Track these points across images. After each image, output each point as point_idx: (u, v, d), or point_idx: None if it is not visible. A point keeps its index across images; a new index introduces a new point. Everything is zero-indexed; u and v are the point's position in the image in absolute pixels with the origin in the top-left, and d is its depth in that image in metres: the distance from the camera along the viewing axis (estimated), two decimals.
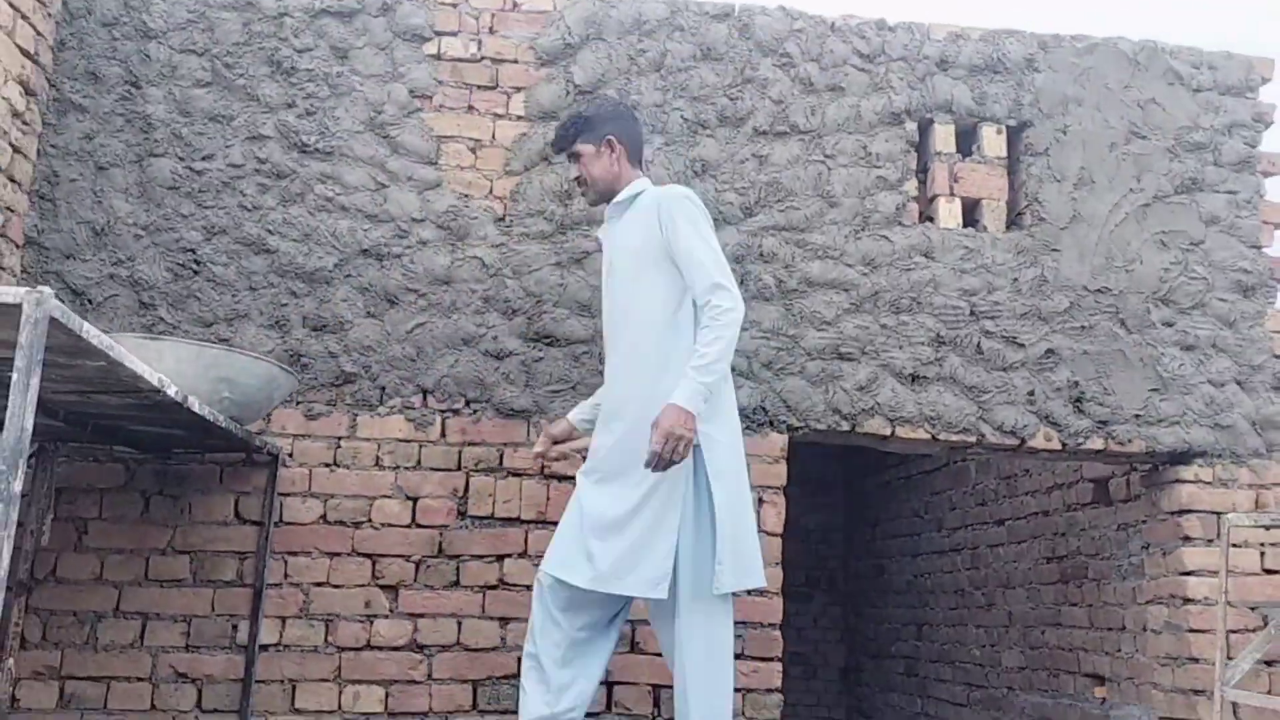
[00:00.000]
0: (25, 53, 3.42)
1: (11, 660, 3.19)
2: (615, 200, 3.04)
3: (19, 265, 3.45)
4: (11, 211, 3.40)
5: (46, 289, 1.75)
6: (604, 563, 2.75)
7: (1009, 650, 5.22)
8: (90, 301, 3.48)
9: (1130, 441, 3.73)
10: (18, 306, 1.73)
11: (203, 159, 3.61)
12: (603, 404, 3.02)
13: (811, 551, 7.77)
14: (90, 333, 1.93)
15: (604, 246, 3.11)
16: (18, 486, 1.69)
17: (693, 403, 2.66)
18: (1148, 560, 3.93)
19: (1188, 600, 3.65)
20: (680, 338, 2.83)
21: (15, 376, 1.70)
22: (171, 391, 2.37)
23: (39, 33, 3.50)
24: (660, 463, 2.63)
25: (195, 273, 3.53)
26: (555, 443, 3.20)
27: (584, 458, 3.05)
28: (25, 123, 3.45)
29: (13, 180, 3.40)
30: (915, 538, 6.52)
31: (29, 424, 1.70)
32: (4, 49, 3.29)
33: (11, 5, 3.33)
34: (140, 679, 3.29)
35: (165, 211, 3.56)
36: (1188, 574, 3.67)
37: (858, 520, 7.60)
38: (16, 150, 3.41)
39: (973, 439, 3.70)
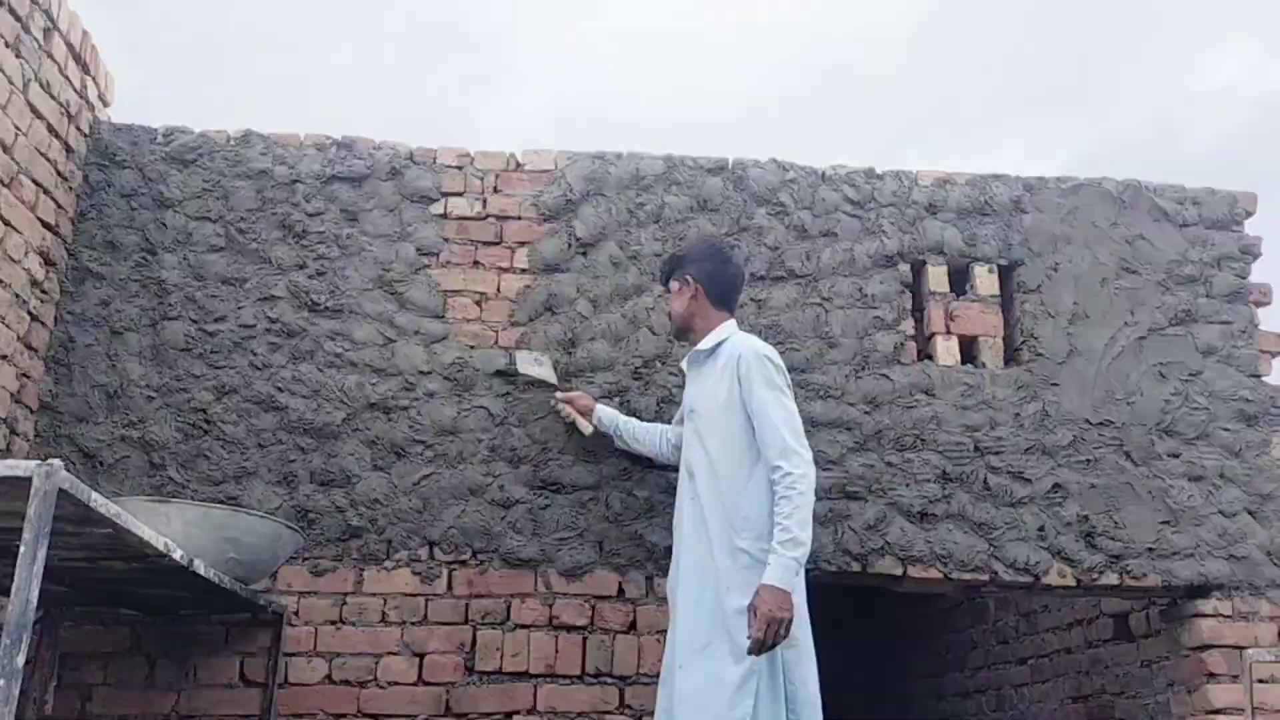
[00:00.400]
0: (46, 225, 3.56)
1: None
2: (697, 347, 3.21)
3: (33, 430, 3.51)
4: (28, 378, 3.48)
5: (56, 461, 1.79)
6: None
7: None
8: (101, 464, 3.52)
9: (1145, 576, 3.68)
10: (28, 479, 1.76)
11: (215, 320, 3.71)
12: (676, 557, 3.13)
13: (834, 695, 7.53)
14: (98, 502, 1.96)
15: (687, 385, 3.28)
16: (21, 660, 1.69)
17: (786, 580, 2.77)
18: (1174, 699, 3.83)
19: None
20: (756, 492, 2.95)
21: (22, 549, 1.72)
22: (178, 555, 2.38)
23: (60, 205, 3.64)
24: (762, 648, 2.72)
25: (205, 432, 3.58)
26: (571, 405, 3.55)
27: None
28: (44, 291, 3.56)
29: (29, 347, 3.49)
30: (939, 679, 6.35)
31: (34, 596, 1.71)
32: (26, 223, 3.43)
33: (35, 181, 3.48)
34: None
35: (177, 373, 3.64)
36: (1215, 712, 3.56)
37: (881, 662, 7.41)
38: (35, 318, 3.51)
39: (986, 577, 3.65)
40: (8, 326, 3.34)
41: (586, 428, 3.55)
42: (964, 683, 5.97)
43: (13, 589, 1.70)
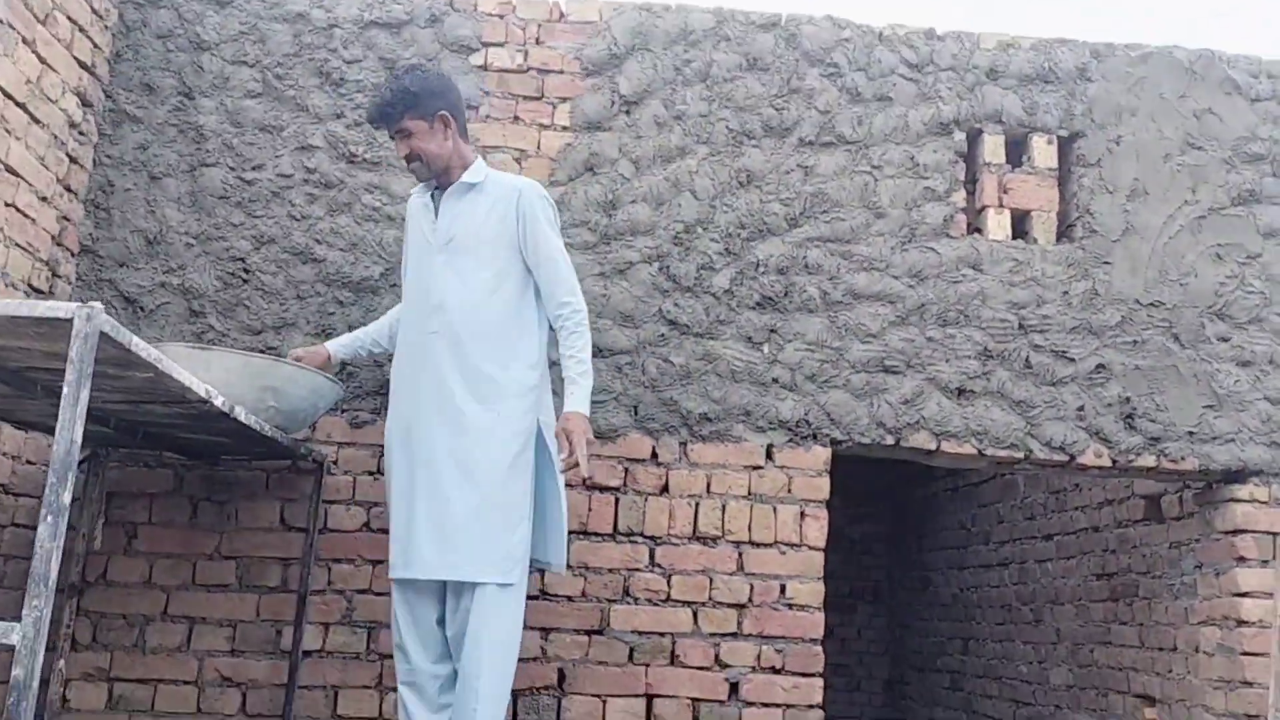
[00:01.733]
0: (83, 65, 3.49)
1: (63, 661, 3.26)
2: (463, 179, 3.05)
3: (74, 273, 3.52)
4: (68, 220, 3.47)
5: (97, 304, 1.78)
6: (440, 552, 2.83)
7: (1057, 668, 5.13)
8: (142, 309, 3.53)
9: (1183, 459, 3.65)
10: (69, 321, 1.76)
11: (253, 169, 3.66)
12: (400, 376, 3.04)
13: (856, 563, 7.70)
14: (139, 346, 1.96)
15: (428, 217, 3.06)
16: (68, 497, 1.72)
17: (587, 407, 2.93)
18: (1200, 580, 3.85)
19: (1241, 622, 3.56)
20: (526, 330, 3.00)
21: (65, 390, 1.73)
22: (219, 402, 2.40)
23: (96, 45, 3.56)
24: (575, 468, 2.87)
25: (244, 281, 3.58)
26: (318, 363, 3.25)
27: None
28: (82, 133, 3.52)
29: (69, 190, 3.47)
30: (962, 551, 6.44)
31: (78, 436, 1.73)
32: (62, 62, 3.36)
33: (70, 19, 3.40)
34: (187, 682, 3.34)
35: (216, 221, 3.61)
36: (1242, 595, 3.58)
37: (903, 532, 7.52)
38: (73, 160, 3.48)
39: (1020, 455, 3.64)
40: (46, 167, 3.31)
41: (329, 377, 3.20)
42: (987, 555, 6.05)
43: (57, 429, 1.72)
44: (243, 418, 2.56)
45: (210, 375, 2.61)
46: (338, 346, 3.32)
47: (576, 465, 2.86)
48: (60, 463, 1.71)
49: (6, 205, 3.11)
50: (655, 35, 3.83)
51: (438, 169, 3.05)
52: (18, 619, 1.67)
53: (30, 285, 3.25)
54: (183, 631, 3.37)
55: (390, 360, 3.23)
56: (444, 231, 3.02)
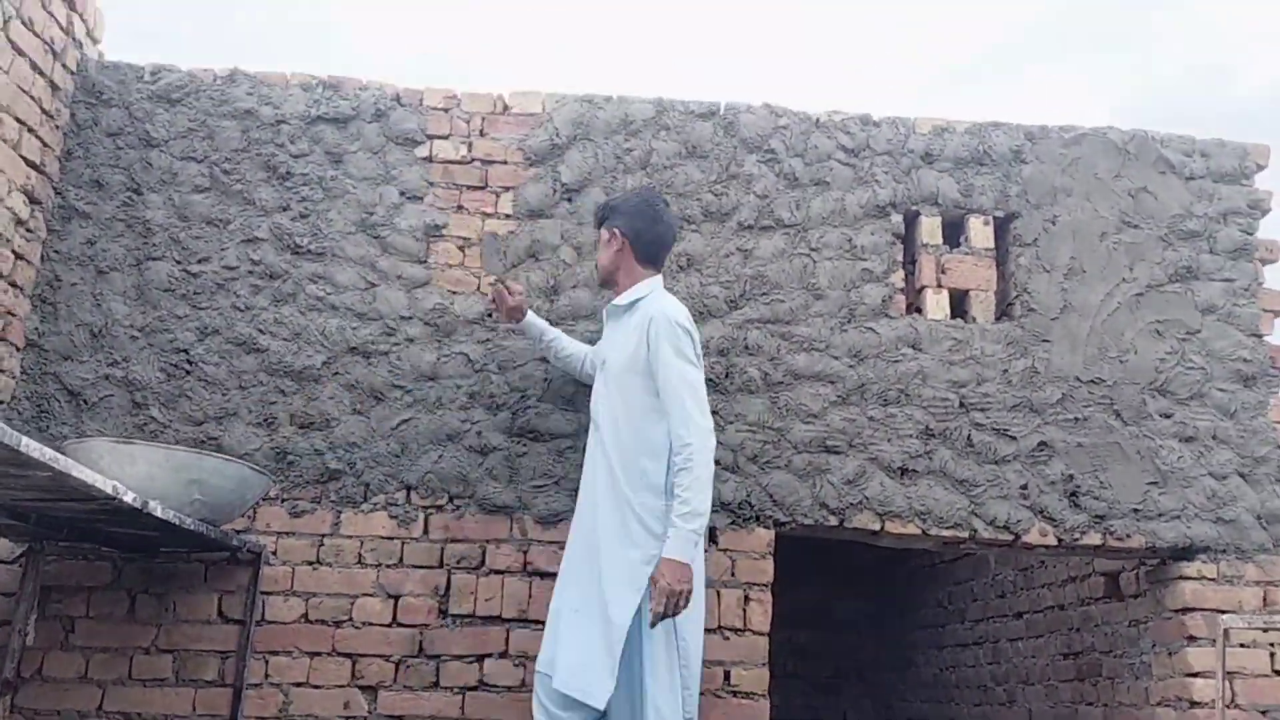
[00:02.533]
0: (31, 164, 3.57)
1: None
2: (614, 301, 3.24)
3: (18, 368, 3.56)
4: (13, 315, 3.52)
5: None
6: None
7: None
8: (85, 402, 3.56)
9: (1129, 537, 3.63)
10: None
11: (199, 261, 3.72)
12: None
13: (841, 642, 7.59)
14: (30, 446, 1.98)
15: (604, 335, 3.30)
16: None
17: (685, 553, 2.82)
18: (1155, 660, 3.79)
19: (1194, 704, 3.50)
20: (656, 455, 2.98)
21: None
22: (128, 498, 2.41)
23: (46, 144, 3.65)
24: (661, 619, 2.81)
25: (187, 373, 3.62)
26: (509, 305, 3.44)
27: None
28: (29, 230, 3.59)
29: (15, 285, 3.53)
30: (940, 630, 6.35)
31: None
32: (8, 161, 3.44)
33: (18, 119, 3.49)
34: None
35: (161, 313, 3.66)
36: (1194, 675, 3.53)
37: (887, 609, 7.42)
38: (19, 257, 3.54)
39: (965, 534, 3.62)
40: None
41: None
42: (963, 634, 5.97)
43: None
44: (159, 513, 2.57)
45: (135, 469, 2.64)
46: (534, 320, 3.50)
47: (659, 618, 2.81)
48: None
49: None
50: (596, 125, 3.91)
51: (601, 279, 3.37)
52: None
53: None
54: None
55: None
56: (601, 352, 3.23)
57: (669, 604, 2.79)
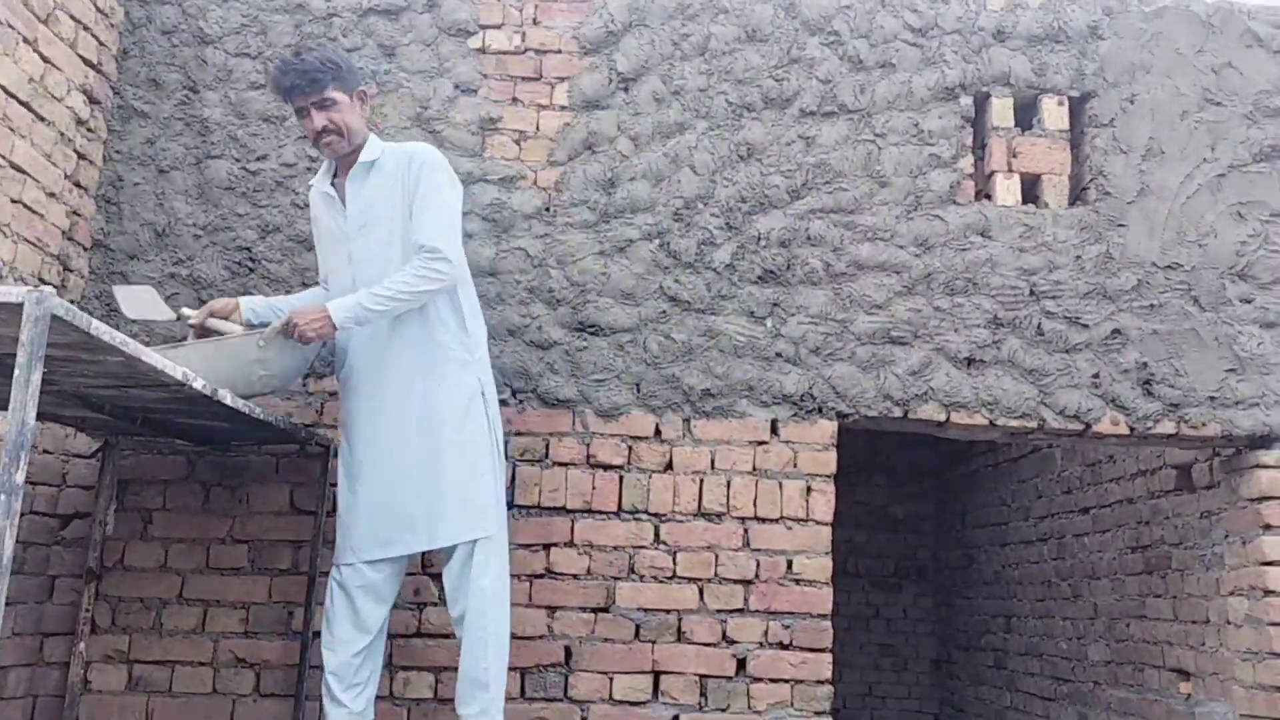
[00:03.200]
0: (88, 62, 3.57)
1: (83, 644, 3.35)
2: (363, 160, 3.08)
3: (87, 267, 3.61)
4: (79, 215, 3.56)
5: (48, 288, 1.82)
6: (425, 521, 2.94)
7: (1095, 643, 5.01)
8: None
9: (1204, 425, 3.54)
10: (20, 305, 1.80)
11: (257, 159, 3.71)
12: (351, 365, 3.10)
13: (900, 541, 7.60)
14: (100, 329, 2.00)
15: (336, 201, 3.11)
16: (20, 478, 1.76)
17: (340, 315, 2.88)
18: (1228, 550, 3.73)
19: (1269, 592, 3.45)
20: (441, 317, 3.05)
21: (16, 372, 1.77)
22: (198, 385, 2.44)
23: (102, 43, 3.64)
24: (288, 331, 2.87)
25: (251, 270, 3.64)
26: (212, 315, 3.11)
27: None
28: (90, 130, 3.60)
29: (79, 185, 3.55)
30: (1003, 527, 6.32)
31: (30, 418, 1.77)
32: (66, 60, 3.44)
33: (73, 17, 3.47)
34: (203, 664, 3.41)
35: (222, 211, 3.67)
36: (1269, 564, 3.47)
37: (947, 509, 7.41)
38: (82, 157, 3.56)
39: (1034, 424, 3.56)
40: (54, 164, 3.40)
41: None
42: (1027, 531, 5.93)
43: (9, 411, 1.76)
44: (227, 401, 2.60)
45: (193, 369, 2.62)
46: (249, 304, 3.21)
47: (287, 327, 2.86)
48: (13, 444, 1.75)
49: (13, 202, 3.19)
50: (652, 11, 3.80)
51: (356, 144, 3.08)
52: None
53: (40, 279, 3.34)
54: (198, 614, 3.44)
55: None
56: (355, 218, 3.08)
57: (298, 328, 2.84)
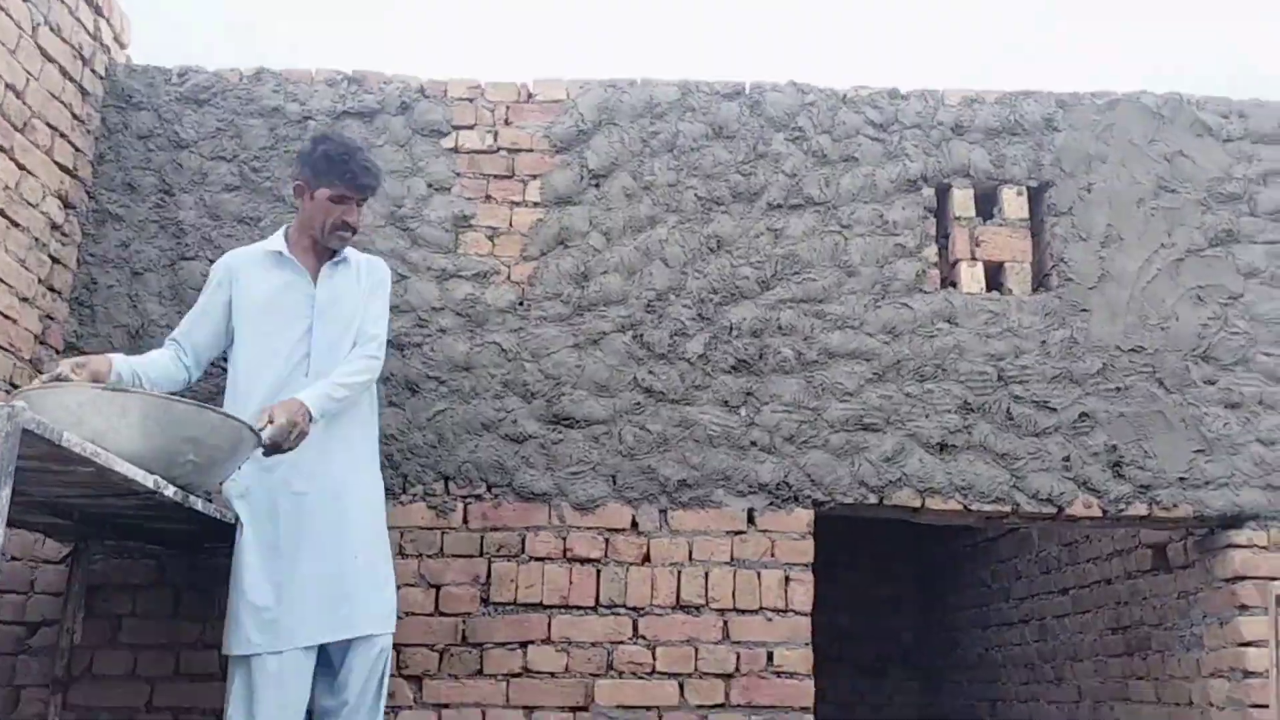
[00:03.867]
0: (64, 168, 3.61)
1: None
2: (341, 256, 3.23)
3: None
4: (51, 319, 3.56)
5: (20, 403, 1.82)
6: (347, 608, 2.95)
7: None
8: None
9: (1176, 506, 3.57)
10: None
11: None
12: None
13: (883, 625, 7.54)
14: (70, 441, 1.99)
15: (299, 269, 3.15)
16: None
17: (320, 409, 2.92)
18: (1206, 631, 3.73)
19: (1248, 674, 3.44)
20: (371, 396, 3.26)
21: None
22: (169, 493, 2.43)
23: (78, 149, 3.69)
24: (276, 450, 2.81)
25: (224, 370, 3.63)
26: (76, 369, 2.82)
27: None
28: (64, 234, 3.63)
29: (52, 289, 3.57)
30: (985, 609, 6.29)
31: None
32: (42, 167, 3.48)
33: (50, 125, 3.52)
34: None
35: None
36: (1247, 645, 3.47)
37: (929, 591, 7.37)
38: (56, 261, 3.58)
39: (1007, 508, 3.58)
40: (28, 269, 3.41)
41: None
42: (1009, 613, 5.91)
43: None
44: (199, 507, 2.58)
45: (128, 421, 2.35)
46: (123, 363, 3.01)
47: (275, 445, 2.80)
48: None
49: None
50: (622, 110, 3.90)
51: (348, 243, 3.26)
52: None
53: (12, 384, 3.33)
54: None
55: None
56: (323, 302, 3.15)
57: (287, 433, 2.80)
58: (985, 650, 6.23)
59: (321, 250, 3.20)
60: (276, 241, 3.22)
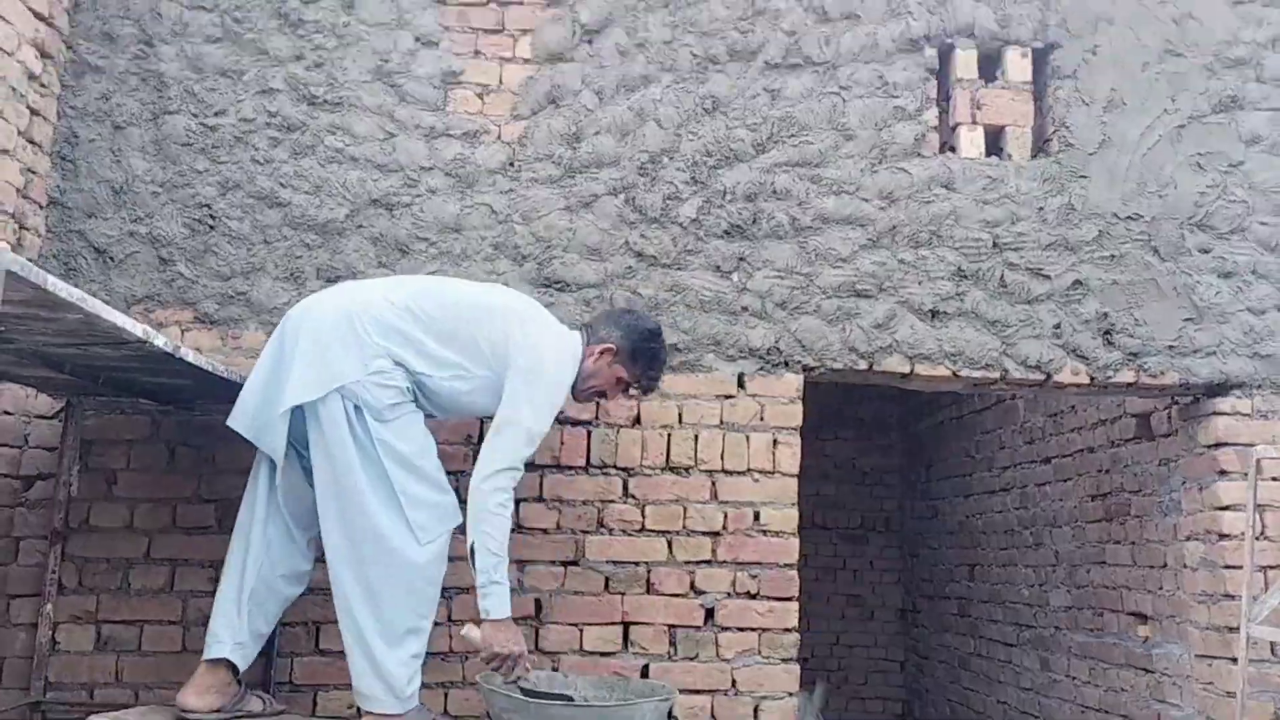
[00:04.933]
0: (39, 16, 3.48)
1: (50, 605, 3.33)
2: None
3: (43, 225, 3.55)
4: (33, 173, 3.49)
5: (2, 244, 1.79)
6: None
7: (1056, 590, 5.12)
8: (112, 259, 3.56)
9: (1163, 374, 3.60)
10: None
11: (215, 114, 3.65)
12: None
13: (867, 494, 7.69)
14: (55, 285, 1.97)
15: None
16: None
17: (504, 609, 2.84)
18: (1185, 496, 3.81)
19: (1224, 536, 3.53)
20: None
21: None
22: (159, 342, 2.42)
23: None
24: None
25: (211, 228, 3.59)
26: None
27: None
28: (43, 85, 3.52)
29: (32, 142, 3.48)
30: (967, 478, 6.42)
31: None
32: (15, 13, 3.35)
33: None
34: (172, 622, 3.41)
35: (181, 168, 3.62)
36: (1224, 509, 3.55)
37: (913, 462, 7.50)
38: (35, 113, 3.49)
39: (996, 375, 3.60)
40: (6, 120, 3.32)
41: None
42: (990, 482, 6.03)
43: None
44: (189, 358, 2.58)
45: None
46: None
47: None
48: None
49: None
50: None
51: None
52: None
53: None
54: (166, 573, 3.43)
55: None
56: None
57: (501, 663, 2.83)
58: (966, 518, 6.38)
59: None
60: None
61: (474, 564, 2.82)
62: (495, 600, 2.81)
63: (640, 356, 3.12)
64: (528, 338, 2.95)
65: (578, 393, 3.13)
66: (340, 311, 2.90)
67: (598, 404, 3.53)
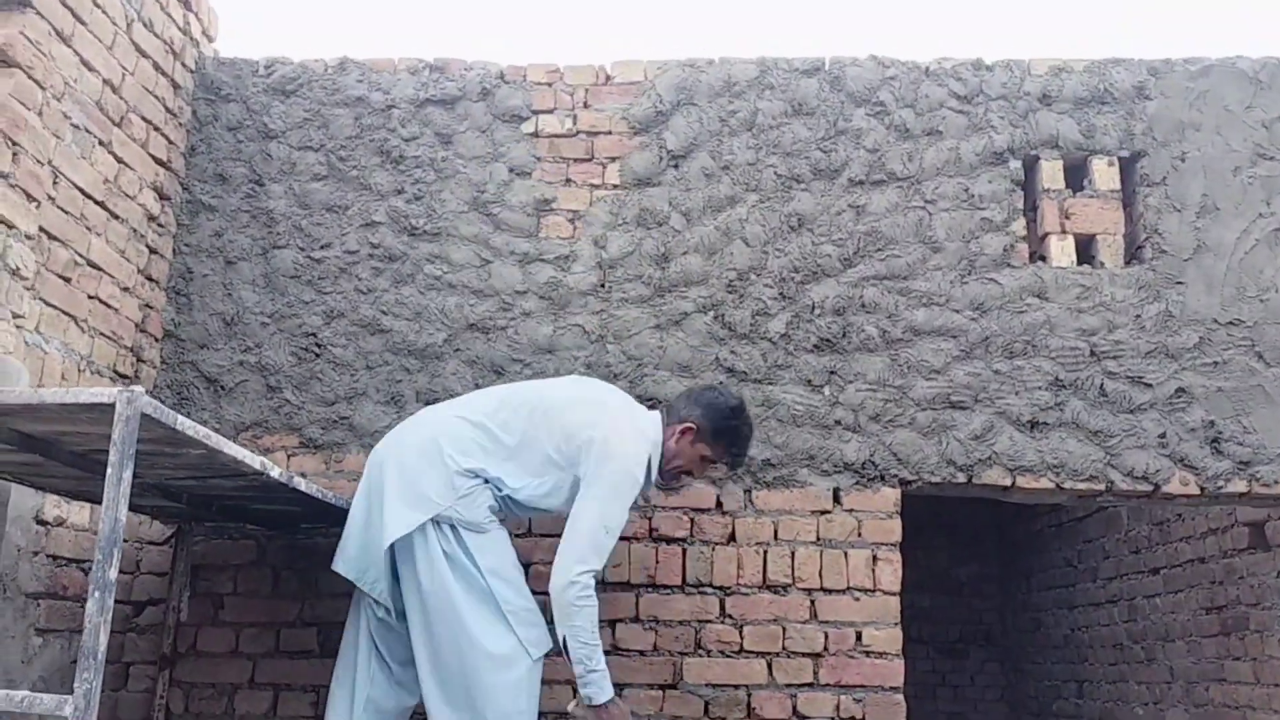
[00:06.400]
0: (159, 161, 3.71)
1: None
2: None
3: (159, 357, 3.72)
4: (150, 308, 3.67)
5: (138, 388, 1.89)
6: None
7: (1174, 708, 4.88)
8: (223, 388, 3.70)
9: (1277, 483, 3.47)
10: (111, 405, 1.87)
11: (321, 248, 3.82)
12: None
13: (964, 605, 7.47)
14: (184, 424, 2.06)
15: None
16: (113, 573, 1.81)
17: (607, 692, 2.84)
18: None
19: None
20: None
21: (109, 470, 1.83)
22: (274, 473, 2.50)
23: (171, 141, 3.79)
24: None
25: (317, 355, 3.72)
26: None
27: None
28: (160, 225, 3.73)
29: (150, 279, 3.68)
30: (1070, 589, 6.20)
31: (122, 515, 1.82)
32: (138, 160, 3.58)
33: (144, 119, 3.62)
34: None
35: (289, 299, 3.78)
36: None
37: (1012, 571, 7.28)
38: (154, 251, 3.69)
39: (1101, 486, 3.51)
40: (128, 260, 3.52)
41: None
42: (1096, 593, 5.82)
43: (102, 508, 1.82)
44: (302, 487, 2.65)
45: None
46: None
47: None
48: (106, 540, 1.80)
49: (90, 298, 3.31)
50: (700, 89, 3.89)
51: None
52: (71, 692, 1.76)
53: (115, 371, 3.45)
54: (269, 698, 3.47)
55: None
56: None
57: None
58: (1071, 631, 6.15)
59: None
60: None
61: (569, 657, 2.83)
62: (596, 687, 2.82)
63: (723, 435, 3.10)
64: (598, 428, 2.95)
65: (663, 473, 3.12)
66: (421, 440, 2.98)
67: (692, 520, 3.53)
